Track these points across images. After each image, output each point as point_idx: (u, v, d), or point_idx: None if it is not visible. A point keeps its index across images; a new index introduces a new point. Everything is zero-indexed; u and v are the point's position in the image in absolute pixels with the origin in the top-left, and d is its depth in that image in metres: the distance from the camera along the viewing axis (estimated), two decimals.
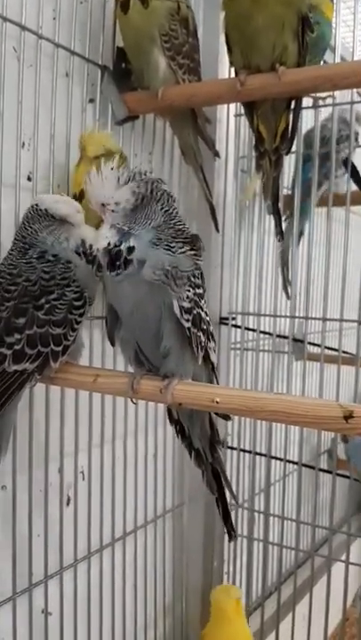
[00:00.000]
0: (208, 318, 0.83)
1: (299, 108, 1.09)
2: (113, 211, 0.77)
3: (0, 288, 0.83)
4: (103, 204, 0.77)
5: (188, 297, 0.77)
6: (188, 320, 0.77)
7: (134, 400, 0.88)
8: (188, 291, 0.77)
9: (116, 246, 0.77)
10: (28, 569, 1.03)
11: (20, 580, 1.00)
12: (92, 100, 1.12)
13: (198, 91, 1.09)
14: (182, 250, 0.78)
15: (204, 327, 0.81)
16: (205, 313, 0.82)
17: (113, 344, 0.88)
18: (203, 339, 0.81)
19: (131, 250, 0.76)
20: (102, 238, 0.77)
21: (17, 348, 0.80)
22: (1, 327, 0.81)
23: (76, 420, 1.09)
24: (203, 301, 0.81)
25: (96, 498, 1.16)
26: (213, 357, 0.85)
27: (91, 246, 0.85)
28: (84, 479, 1.16)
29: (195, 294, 0.78)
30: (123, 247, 0.76)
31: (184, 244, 0.79)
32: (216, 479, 0.96)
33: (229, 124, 1.37)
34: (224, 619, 1.27)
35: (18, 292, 0.81)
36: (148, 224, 0.78)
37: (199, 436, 0.93)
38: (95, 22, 1.10)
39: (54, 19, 1.02)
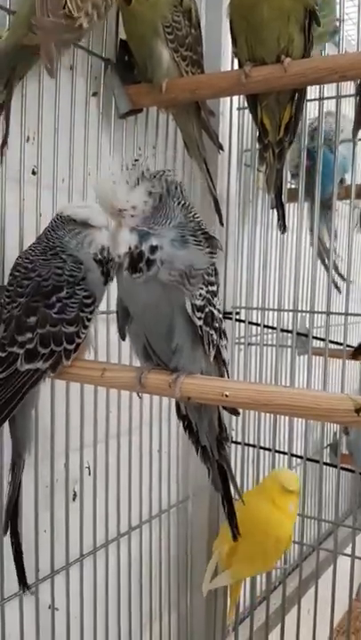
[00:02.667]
0: (220, 316, 0.82)
1: (303, 99, 1.08)
2: (132, 215, 0.74)
3: (15, 282, 0.83)
4: (120, 210, 0.74)
5: (200, 295, 0.76)
6: (200, 318, 0.76)
7: (140, 394, 0.88)
8: (202, 288, 0.76)
9: (136, 248, 0.74)
10: (35, 564, 1.02)
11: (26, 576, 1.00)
12: (95, 94, 1.12)
13: (203, 83, 1.08)
14: (200, 247, 0.76)
15: (217, 325, 0.80)
16: (218, 310, 0.81)
17: (123, 338, 0.87)
18: (215, 337, 0.80)
19: (154, 249, 0.74)
20: (122, 243, 0.74)
21: (29, 346, 0.80)
22: (13, 326, 0.81)
23: (82, 415, 1.09)
24: (216, 299, 0.80)
25: (102, 493, 1.16)
26: (225, 355, 0.84)
27: (108, 256, 0.85)
28: (89, 474, 1.16)
29: (208, 292, 0.77)
30: (144, 248, 0.74)
31: (202, 240, 0.77)
32: (222, 477, 0.96)
33: (232, 117, 1.36)
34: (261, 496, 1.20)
35: (30, 289, 0.81)
36: (169, 223, 0.76)
37: (207, 433, 0.92)
38: None
39: None
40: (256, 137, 1.15)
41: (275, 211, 1.34)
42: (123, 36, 1.13)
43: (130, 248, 0.74)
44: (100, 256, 0.86)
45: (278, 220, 1.19)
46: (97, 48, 1.10)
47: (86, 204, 0.90)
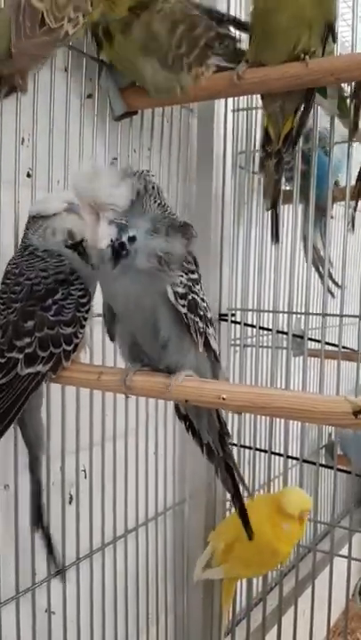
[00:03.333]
0: (205, 304, 0.82)
1: (308, 112, 1.08)
2: (113, 209, 0.76)
3: (7, 289, 0.83)
4: (101, 204, 0.76)
5: (181, 282, 0.77)
6: (183, 305, 0.77)
7: (127, 395, 0.88)
8: (182, 276, 0.77)
9: (117, 240, 0.76)
10: (31, 568, 1.02)
11: (22, 580, 1.00)
12: (90, 96, 1.12)
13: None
14: (174, 236, 0.77)
15: (201, 313, 0.81)
16: (202, 299, 0.81)
17: (113, 339, 0.88)
18: (201, 324, 0.80)
19: (132, 240, 0.76)
20: (104, 237, 0.76)
21: (28, 351, 0.80)
22: (10, 332, 0.81)
23: (77, 418, 1.09)
24: (198, 287, 0.80)
25: (98, 496, 1.16)
26: (215, 344, 0.84)
27: (76, 238, 0.86)
28: (85, 477, 1.15)
29: (188, 279, 0.78)
30: (124, 239, 0.75)
31: (176, 231, 0.78)
32: (230, 475, 0.95)
33: (227, 119, 1.36)
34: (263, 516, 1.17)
35: (23, 294, 0.81)
36: (145, 216, 0.78)
37: (207, 430, 0.92)
38: None
39: None
40: (260, 144, 1.14)
41: (270, 213, 1.35)
42: None
43: (111, 240, 0.75)
44: (69, 241, 0.86)
45: (272, 229, 1.19)
46: (91, 50, 1.09)
47: (39, 199, 0.91)
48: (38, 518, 0.93)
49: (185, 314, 0.78)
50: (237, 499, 0.97)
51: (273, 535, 1.15)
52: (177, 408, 0.94)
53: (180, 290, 0.77)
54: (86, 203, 0.77)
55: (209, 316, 0.84)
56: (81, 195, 0.77)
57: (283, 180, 1.17)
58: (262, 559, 1.18)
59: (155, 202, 0.79)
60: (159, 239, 0.76)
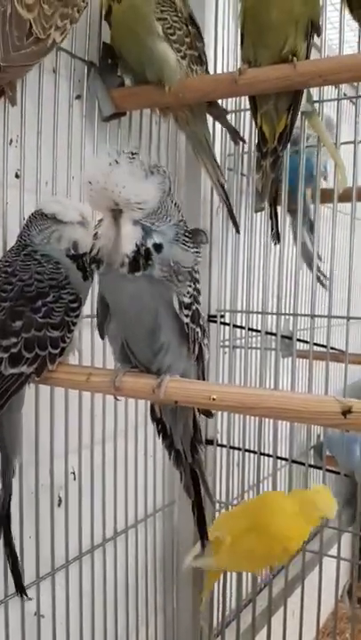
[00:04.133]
0: (203, 314, 0.83)
1: (297, 109, 1.08)
2: (140, 209, 0.69)
3: None
4: (125, 203, 0.68)
5: (188, 292, 0.76)
6: (187, 316, 0.76)
7: (117, 397, 0.87)
8: (190, 286, 0.76)
9: (142, 245, 0.70)
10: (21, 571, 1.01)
11: (11, 583, 0.99)
12: (78, 97, 1.11)
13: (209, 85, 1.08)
14: (188, 246, 0.76)
15: (201, 323, 0.81)
16: (202, 309, 0.81)
17: (102, 337, 0.86)
18: (200, 334, 0.80)
19: (159, 247, 0.71)
20: (129, 239, 0.69)
21: (14, 351, 0.79)
22: None
23: (66, 420, 1.08)
24: (200, 297, 0.80)
25: (87, 498, 1.15)
26: (206, 354, 0.84)
27: (81, 250, 0.85)
28: (75, 479, 1.15)
29: (194, 289, 0.77)
30: (149, 244, 0.70)
31: (189, 238, 0.77)
32: (194, 482, 0.95)
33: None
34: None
35: (14, 293, 0.80)
36: (169, 221, 0.74)
37: (181, 436, 0.91)
38: (81, 17, 1.09)
39: None
40: (256, 144, 1.15)
41: (259, 214, 1.35)
42: (106, 39, 1.12)
43: (136, 245, 0.70)
44: (72, 251, 0.85)
45: (272, 229, 1.19)
46: (80, 51, 1.09)
47: (57, 199, 0.90)
48: (3, 529, 0.91)
49: (187, 324, 0.77)
50: (198, 507, 0.96)
51: (290, 532, 1.12)
52: (152, 410, 0.93)
53: (187, 300, 0.76)
54: (106, 199, 0.68)
55: (205, 325, 0.83)
56: (100, 189, 0.67)
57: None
58: (271, 554, 1.14)
59: (172, 202, 0.75)
60: (178, 248, 0.73)
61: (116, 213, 0.69)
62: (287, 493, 1.23)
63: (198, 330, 0.80)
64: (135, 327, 0.79)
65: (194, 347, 0.80)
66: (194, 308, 0.77)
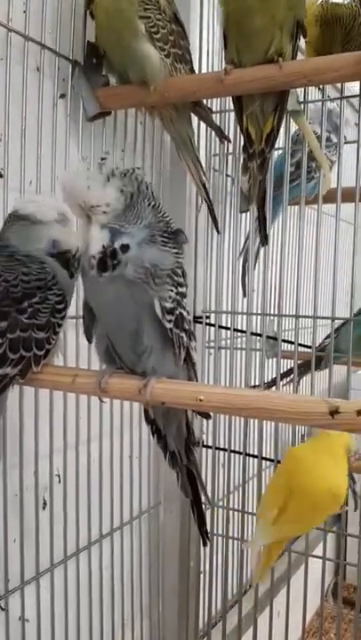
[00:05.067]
0: (189, 317, 0.82)
1: (284, 110, 1.08)
2: (104, 212, 0.73)
3: None
4: (92, 207, 0.73)
5: (170, 297, 0.75)
6: (170, 321, 0.76)
7: (102, 399, 0.87)
8: (171, 290, 0.75)
9: (109, 246, 0.73)
10: (4, 575, 1.00)
11: None
12: (63, 96, 1.11)
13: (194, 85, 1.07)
14: (167, 248, 0.76)
15: (186, 327, 0.80)
16: (187, 312, 0.80)
17: (90, 340, 0.86)
18: (185, 339, 0.79)
19: (125, 248, 0.73)
20: (95, 241, 0.73)
21: None
22: None
23: (51, 421, 1.07)
24: (185, 300, 0.79)
25: (72, 500, 1.14)
26: (195, 357, 0.84)
27: (61, 249, 0.84)
28: (60, 482, 1.14)
29: (177, 293, 0.76)
30: (116, 245, 0.73)
31: (169, 239, 0.76)
32: (191, 482, 0.95)
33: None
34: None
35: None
36: (140, 222, 0.75)
37: (175, 437, 0.91)
38: (65, 16, 1.08)
39: (24, 12, 0.99)
40: (242, 146, 1.15)
41: (244, 215, 1.35)
42: (90, 37, 1.12)
43: (103, 246, 0.73)
44: (53, 250, 0.84)
45: (260, 231, 1.19)
46: (65, 49, 1.09)
47: (33, 199, 0.88)
48: None
49: (170, 329, 0.76)
50: (197, 506, 0.97)
51: (333, 478, 1.08)
52: (146, 412, 0.92)
53: (168, 305, 0.75)
54: (76, 205, 0.74)
55: (191, 328, 0.83)
56: (70, 196, 0.74)
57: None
58: (322, 507, 1.11)
59: (149, 205, 0.76)
60: (152, 249, 0.74)
61: (87, 216, 0.74)
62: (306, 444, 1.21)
63: (183, 334, 0.79)
64: (118, 330, 0.79)
65: (180, 351, 0.79)
66: (177, 312, 0.77)
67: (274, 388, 1.35)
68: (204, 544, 1.02)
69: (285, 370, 1.40)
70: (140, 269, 0.73)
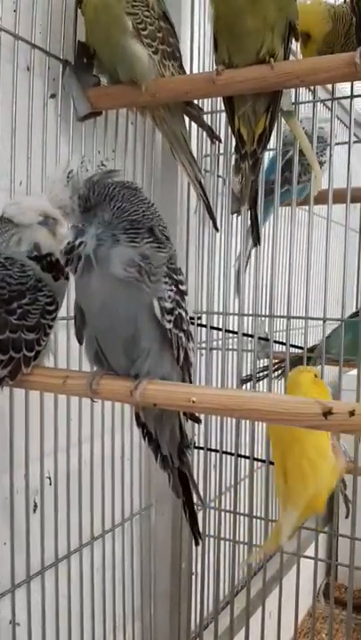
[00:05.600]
0: (188, 317, 0.80)
1: (276, 111, 1.08)
2: (67, 213, 0.76)
3: None
4: (59, 207, 0.77)
5: (169, 297, 0.74)
6: (170, 321, 0.75)
7: (94, 400, 0.86)
8: (171, 290, 0.75)
9: (69, 244, 0.75)
10: None
11: None
12: (53, 96, 1.10)
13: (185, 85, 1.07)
14: (147, 241, 0.74)
15: (185, 327, 0.79)
16: (186, 312, 0.79)
17: (81, 342, 0.85)
18: (184, 340, 0.78)
19: (81, 244, 0.74)
20: (62, 239, 0.77)
21: None
22: None
23: (42, 423, 1.06)
24: (184, 300, 0.78)
25: (63, 503, 1.14)
26: (192, 358, 0.83)
27: (49, 254, 0.84)
28: (50, 484, 1.13)
29: (176, 292, 0.76)
30: (76, 242, 0.74)
31: (144, 236, 0.75)
32: (183, 483, 0.94)
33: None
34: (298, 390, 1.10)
35: None
36: (97, 221, 0.75)
37: (167, 442, 0.90)
38: (56, 15, 1.08)
39: (14, 10, 0.99)
40: (234, 147, 1.15)
41: (235, 216, 1.35)
42: (81, 37, 1.11)
43: (68, 243, 0.75)
44: (34, 253, 0.84)
45: (252, 232, 1.19)
46: (55, 49, 1.08)
47: (15, 201, 0.88)
48: None
49: (169, 329, 0.75)
50: (189, 506, 0.96)
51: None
52: (137, 415, 0.91)
53: (168, 305, 0.74)
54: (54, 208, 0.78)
55: (190, 328, 0.82)
56: (49, 200, 0.77)
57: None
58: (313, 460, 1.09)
59: (110, 202, 0.75)
60: (130, 244, 0.73)
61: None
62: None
63: (182, 335, 0.78)
64: (109, 334, 0.78)
65: (178, 352, 0.78)
66: (177, 312, 0.76)
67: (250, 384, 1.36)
68: (197, 543, 1.02)
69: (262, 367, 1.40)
70: (131, 268, 0.72)
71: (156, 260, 0.74)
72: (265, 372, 1.37)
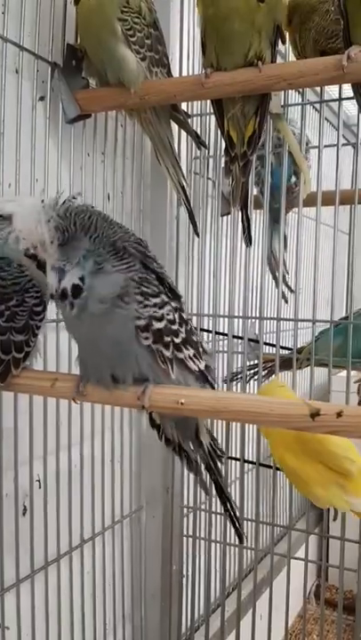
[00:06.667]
0: (175, 327, 0.78)
1: (265, 113, 1.08)
2: (46, 251, 0.75)
3: None
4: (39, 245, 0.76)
5: (142, 315, 0.74)
6: (147, 338, 0.74)
7: (76, 401, 0.85)
8: (144, 307, 0.74)
9: (56, 290, 0.75)
10: None
11: None
12: (42, 98, 1.10)
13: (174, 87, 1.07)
14: (117, 267, 0.75)
15: (168, 339, 0.77)
16: (169, 321, 0.77)
17: None
18: (167, 353, 0.77)
19: (76, 287, 0.74)
20: (49, 284, 0.76)
21: None
22: None
23: (31, 426, 1.06)
24: (164, 310, 0.76)
25: (53, 506, 1.13)
26: (196, 365, 0.81)
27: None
28: (40, 487, 1.13)
29: (146, 306, 0.74)
30: (66, 285, 0.74)
31: (117, 259, 0.75)
32: (218, 488, 0.95)
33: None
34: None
35: None
36: (79, 255, 0.74)
37: (191, 448, 0.91)
38: (44, 17, 1.08)
39: (3, 13, 0.99)
40: (224, 149, 1.15)
41: (225, 218, 1.35)
42: (70, 39, 1.11)
43: (55, 289, 0.74)
44: (31, 251, 0.83)
45: (244, 232, 1.19)
46: (44, 51, 1.08)
47: (15, 198, 0.88)
48: None
49: (148, 346, 0.75)
50: (231, 510, 0.97)
51: None
52: (150, 417, 0.91)
53: (142, 322, 0.74)
54: (31, 248, 0.77)
55: (185, 336, 0.79)
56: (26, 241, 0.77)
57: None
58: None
59: (86, 234, 0.75)
60: (102, 277, 0.74)
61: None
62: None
63: (163, 349, 0.76)
64: (96, 360, 0.79)
65: (165, 364, 0.77)
66: (154, 327, 0.75)
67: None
68: (241, 541, 1.03)
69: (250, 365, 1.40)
70: (105, 301, 0.73)
71: (117, 286, 0.74)
72: (254, 371, 1.37)
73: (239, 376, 1.38)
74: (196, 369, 0.81)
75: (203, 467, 0.93)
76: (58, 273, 0.74)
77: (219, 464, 0.93)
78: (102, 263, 0.74)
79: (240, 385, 1.36)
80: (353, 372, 1.26)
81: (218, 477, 0.93)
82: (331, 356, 1.25)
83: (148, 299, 0.75)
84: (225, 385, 1.38)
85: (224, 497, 0.96)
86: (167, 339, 0.76)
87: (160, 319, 0.76)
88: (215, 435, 1.38)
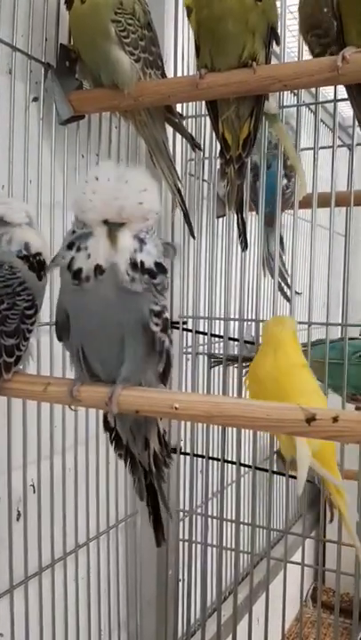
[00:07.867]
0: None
1: (260, 115, 1.08)
2: (144, 218, 0.73)
3: None
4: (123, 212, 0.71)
5: (158, 301, 0.74)
6: (157, 324, 0.74)
7: (73, 407, 0.84)
8: (161, 295, 0.75)
9: (132, 259, 0.72)
10: None
11: None
12: (35, 99, 1.09)
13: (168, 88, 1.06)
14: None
15: (169, 332, 0.78)
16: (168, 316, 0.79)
17: (60, 340, 0.84)
18: (167, 343, 0.78)
19: (158, 266, 0.73)
20: (125, 250, 0.71)
21: None
22: None
23: (24, 431, 1.05)
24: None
25: (47, 511, 1.12)
26: (172, 362, 0.81)
27: (38, 253, 0.82)
28: (34, 492, 1.12)
29: (161, 296, 0.75)
30: (144, 258, 0.72)
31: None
32: (151, 491, 0.93)
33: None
34: (278, 348, 1.10)
35: None
36: (152, 234, 0.75)
37: (141, 450, 0.89)
38: (38, 18, 1.07)
39: None
40: (219, 151, 1.14)
41: (220, 220, 1.35)
42: (63, 40, 1.10)
43: (130, 258, 0.71)
44: (24, 252, 0.83)
45: (239, 236, 1.18)
46: (37, 52, 1.07)
47: (3, 200, 0.87)
48: None
49: (155, 332, 0.75)
50: (154, 512, 0.95)
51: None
52: (105, 419, 0.90)
53: (157, 308, 0.74)
54: (110, 210, 0.71)
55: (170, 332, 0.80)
56: (108, 199, 0.71)
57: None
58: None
59: None
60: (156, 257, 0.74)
61: (114, 226, 0.71)
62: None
63: (166, 339, 0.77)
64: (95, 338, 0.77)
65: (161, 356, 0.77)
66: (164, 316, 0.76)
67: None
68: (158, 545, 1.01)
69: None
70: (147, 281, 0.72)
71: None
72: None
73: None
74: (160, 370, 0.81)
75: (146, 469, 0.91)
76: (139, 242, 0.72)
77: (164, 468, 0.91)
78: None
79: (235, 388, 1.35)
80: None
81: (154, 481, 0.91)
82: (326, 362, 1.24)
83: (162, 292, 0.76)
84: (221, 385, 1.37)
85: (156, 502, 0.94)
86: (169, 331, 0.78)
87: (167, 311, 0.77)
88: (211, 438, 1.38)
